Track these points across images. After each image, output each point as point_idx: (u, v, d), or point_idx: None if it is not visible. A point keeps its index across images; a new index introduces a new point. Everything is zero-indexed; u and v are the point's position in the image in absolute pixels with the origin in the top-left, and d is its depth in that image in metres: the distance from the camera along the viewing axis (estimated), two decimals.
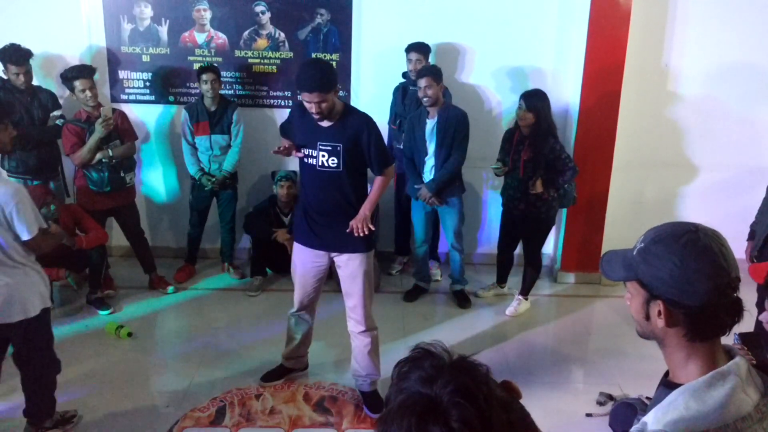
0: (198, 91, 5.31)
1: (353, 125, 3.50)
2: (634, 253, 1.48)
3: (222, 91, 5.47)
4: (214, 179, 5.29)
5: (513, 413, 1.12)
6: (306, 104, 3.39)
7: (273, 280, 5.57)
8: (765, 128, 5.59)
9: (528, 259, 5.12)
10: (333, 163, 3.54)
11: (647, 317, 1.47)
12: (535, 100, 4.63)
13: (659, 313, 1.43)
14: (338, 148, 3.51)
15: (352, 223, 3.57)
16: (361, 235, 3.57)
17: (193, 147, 5.30)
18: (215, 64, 5.29)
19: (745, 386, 1.39)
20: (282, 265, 5.53)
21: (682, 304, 1.40)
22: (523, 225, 4.96)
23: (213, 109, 5.23)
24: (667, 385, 1.48)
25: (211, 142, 5.26)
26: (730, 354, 1.48)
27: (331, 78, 3.39)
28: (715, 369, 1.41)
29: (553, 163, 4.70)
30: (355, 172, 3.62)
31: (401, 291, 5.41)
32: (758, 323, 2.87)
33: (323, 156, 3.53)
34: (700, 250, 1.39)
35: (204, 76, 5.09)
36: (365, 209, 3.60)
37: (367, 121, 3.57)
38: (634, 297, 1.50)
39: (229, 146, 5.32)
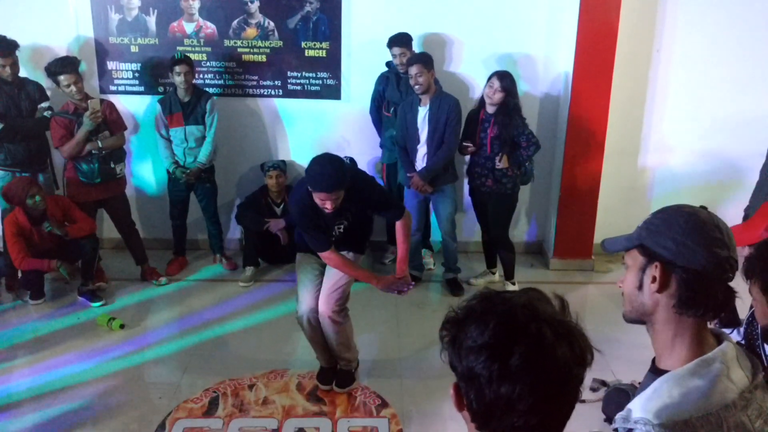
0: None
1: (356, 197, 3.54)
2: (637, 228, 1.52)
3: (211, 81, 5.44)
4: (188, 171, 5.26)
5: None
6: (320, 202, 3.38)
7: (265, 270, 5.56)
8: (757, 113, 5.58)
9: (497, 241, 5.17)
10: (346, 225, 3.71)
11: (640, 287, 1.47)
12: (507, 81, 4.73)
13: (654, 279, 1.44)
14: (349, 216, 3.67)
15: (403, 285, 3.78)
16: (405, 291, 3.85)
17: (168, 140, 5.25)
18: (189, 55, 5.23)
19: (731, 372, 1.39)
20: (274, 256, 5.53)
21: (680, 265, 1.41)
22: (490, 202, 5.02)
23: (186, 99, 5.17)
24: (654, 371, 1.48)
25: (185, 134, 5.20)
26: (718, 339, 1.47)
27: (346, 174, 3.41)
28: (701, 354, 1.41)
29: (518, 140, 4.80)
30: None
31: None
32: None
33: (340, 229, 3.70)
34: (704, 221, 1.42)
35: (177, 68, 5.03)
36: (404, 264, 3.80)
37: (365, 186, 3.63)
38: (631, 268, 1.50)
39: (204, 138, 5.27)
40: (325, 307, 3.75)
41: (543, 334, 1.10)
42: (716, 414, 1.34)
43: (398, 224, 3.76)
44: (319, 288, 3.79)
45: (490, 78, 4.79)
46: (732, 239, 1.42)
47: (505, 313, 1.13)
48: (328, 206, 3.37)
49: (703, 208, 1.48)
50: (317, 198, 3.37)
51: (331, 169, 3.33)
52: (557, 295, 1.23)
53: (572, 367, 1.12)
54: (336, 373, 4.03)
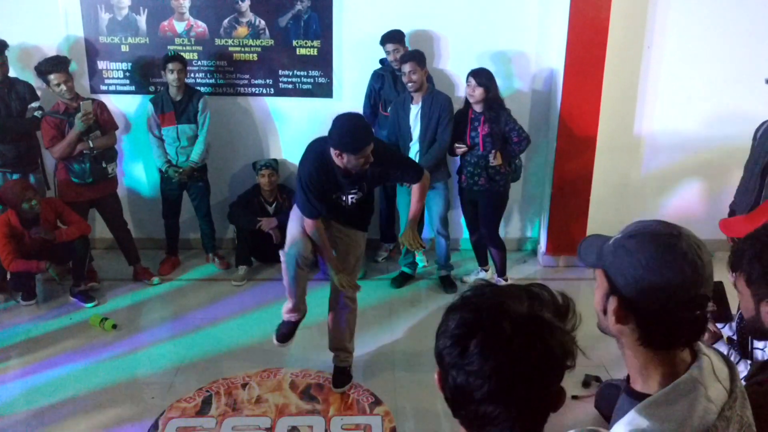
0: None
1: (379, 159, 3.52)
2: (610, 243, 1.39)
3: (202, 80, 5.43)
4: (180, 170, 5.24)
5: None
6: (355, 160, 3.38)
7: (258, 269, 5.55)
8: (747, 109, 5.59)
9: (489, 239, 5.16)
10: (359, 197, 3.71)
11: (605, 312, 1.38)
12: (483, 77, 4.73)
13: (613, 311, 1.35)
14: (363, 186, 3.67)
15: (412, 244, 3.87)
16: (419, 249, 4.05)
17: (160, 139, 5.24)
18: (181, 53, 5.22)
19: (709, 391, 1.31)
20: (267, 255, 5.52)
21: (636, 306, 1.32)
22: (483, 200, 5.01)
23: (178, 98, 5.16)
24: (628, 391, 1.41)
25: (177, 133, 5.18)
26: (693, 352, 1.38)
27: (369, 125, 3.49)
28: (676, 376, 1.33)
29: (509, 135, 4.80)
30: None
31: (388, 277, 5.40)
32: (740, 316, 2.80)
33: (352, 197, 3.68)
34: (673, 257, 1.29)
35: (170, 66, 5.02)
36: (414, 223, 3.89)
37: (385, 147, 3.71)
38: (599, 287, 1.41)
39: (196, 137, 5.26)
40: (339, 297, 3.93)
41: (501, 328, 1.11)
42: None
43: (415, 186, 3.76)
44: (312, 245, 3.76)
45: (467, 78, 4.80)
46: (708, 272, 1.31)
47: (474, 305, 1.17)
48: (362, 162, 3.38)
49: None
50: (355, 156, 3.36)
51: (361, 126, 3.39)
52: (563, 293, 1.23)
53: (532, 361, 1.11)
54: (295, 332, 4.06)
